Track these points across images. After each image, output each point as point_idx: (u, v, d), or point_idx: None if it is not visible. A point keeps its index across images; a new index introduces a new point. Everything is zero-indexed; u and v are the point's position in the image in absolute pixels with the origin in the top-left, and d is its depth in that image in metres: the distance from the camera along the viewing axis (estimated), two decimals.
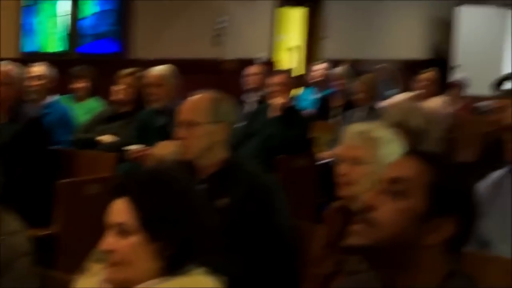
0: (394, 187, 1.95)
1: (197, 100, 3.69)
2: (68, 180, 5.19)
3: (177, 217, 2.30)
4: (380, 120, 3.82)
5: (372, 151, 3.19)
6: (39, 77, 6.71)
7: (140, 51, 10.59)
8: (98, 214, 4.83)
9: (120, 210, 2.31)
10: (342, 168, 3.22)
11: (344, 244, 2.00)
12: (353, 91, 8.08)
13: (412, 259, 1.94)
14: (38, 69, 6.82)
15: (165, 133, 5.10)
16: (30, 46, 9.72)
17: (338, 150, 3.44)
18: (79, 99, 7.63)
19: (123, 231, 2.29)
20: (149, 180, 2.37)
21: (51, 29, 10.02)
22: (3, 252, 2.90)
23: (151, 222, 2.28)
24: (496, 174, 3.79)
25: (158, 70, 6.13)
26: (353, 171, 3.18)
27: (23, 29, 9.45)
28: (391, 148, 3.20)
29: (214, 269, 2.42)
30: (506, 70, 15.27)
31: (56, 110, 6.62)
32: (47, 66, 6.90)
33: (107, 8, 10.65)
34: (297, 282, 3.46)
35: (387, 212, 1.93)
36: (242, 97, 8.14)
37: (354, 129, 3.27)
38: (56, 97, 6.83)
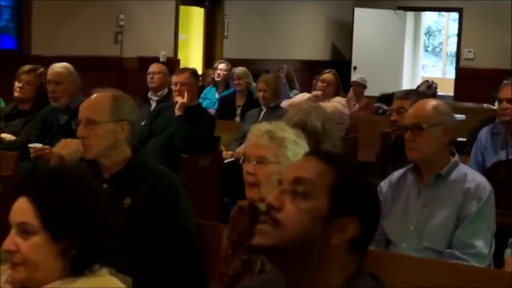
0: (297, 187, 1.97)
1: (97, 99, 3.64)
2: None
3: (79, 216, 2.28)
4: (281, 120, 3.84)
5: (278, 150, 3.21)
6: None
7: (38, 48, 10.41)
8: None
9: (21, 210, 2.28)
10: (248, 167, 3.23)
11: (249, 243, 2.01)
12: (253, 91, 8.14)
13: (316, 260, 1.95)
14: None
15: (68, 131, 5.03)
16: None
17: (244, 149, 3.45)
18: None
19: (25, 231, 2.26)
20: (50, 179, 2.34)
21: None
22: None
23: (53, 222, 2.25)
24: (397, 173, 3.88)
25: (57, 67, 6.04)
26: (259, 171, 3.20)
27: None
28: (295, 148, 3.24)
29: (118, 269, 2.42)
30: (405, 70, 15.80)
31: None
32: None
33: (3, 4, 10.43)
34: (203, 281, 3.46)
35: (291, 212, 1.94)
36: (144, 95, 8.10)
37: (260, 129, 3.29)
38: None
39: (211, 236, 3.62)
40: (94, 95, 3.67)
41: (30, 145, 5.40)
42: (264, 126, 3.31)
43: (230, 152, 7.07)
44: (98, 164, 3.56)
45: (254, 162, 3.21)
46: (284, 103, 8.05)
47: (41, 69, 6.36)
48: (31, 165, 5.42)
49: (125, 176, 3.52)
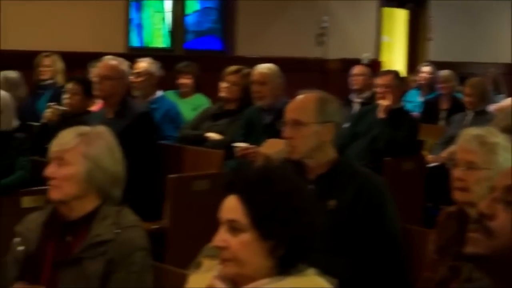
0: (510, 196, 1.92)
1: (304, 100, 3.67)
2: (177, 175, 5.29)
3: (287, 216, 2.30)
4: (489, 125, 3.74)
5: (489, 156, 3.13)
6: (141, 73, 6.80)
7: (242, 49, 10.67)
8: (205, 209, 4.95)
9: (231, 207, 2.33)
10: (458, 173, 3.17)
11: (459, 250, 1.97)
12: (459, 94, 7.97)
13: None
14: (140, 65, 6.91)
15: (271, 131, 5.12)
16: (136, 41, 9.93)
17: (451, 153, 3.39)
18: (184, 95, 7.74)
19: (234, 228, 2.31)
20: (259, 178, 2.38)
21: (157, 25, 10.20)
22: (120, 246, 2.98)
23: (262, 220, 2.29)
24: None
25: (262, 68, 6.16)
26: (469, 176, 3.13)
27: (130, 24, 9.66)
28: (506, 155, 3.14)
29: (323, 270, 2.43)
30: None
31: (162, 105, 6.72)
32: (149, 62, 6.99)
33: (209, 6, 10.77)
34: (408, 286, 3.43)
35: (504, 221, 1.89)
36: (346, 97, 8.12)
37: (470, 133, 3.21)
38: (161, 93, 6.93)
39: (416, 241, 3.57)
40: (300, 97, 3.70)
41: (235, 144, 5.55)
42: (475, 131, 3.23)
43: (433, 156, 6.95)
44: (303, 165, 3.60)
45: (464, 168, 3.15)
46: (491, 108, 7.83)
47: (247, 70, 6.51)
48: (236, 163, 5.58)
49: (330, 177, 3.53)
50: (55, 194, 3.04)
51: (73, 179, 3.02)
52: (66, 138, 3.07)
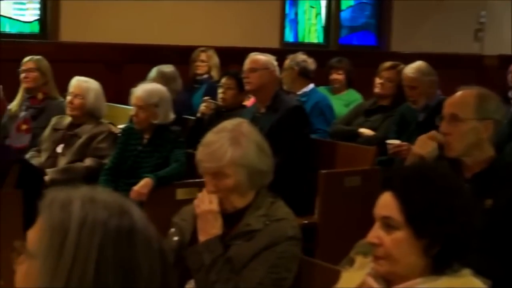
0: None
1: (464, 95, 3.59)
2: (329, 170, 5.30)
3: (443, 214, 2.26)
4: None
5: None
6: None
7: (397, 44, 10.57)
8: (357, 206, 4.93)
9: (386, 204, 2.31)
10: None
11: None
12: None
13: None
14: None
15: (425, 129, 5.03)
16: (290, 36, 9.99)
17: None
18: (336, 90, 7.72)
19: (389, 225, 2.29)
20: (415, 175, 2.35)
21: (312, 20, 10.23)
22: (269, 235, 2.99)
23: (417, 218, 2.26)
24: None
25: (410, 71, 6.01)
26: None
27: (285, 19, 9.73)
28: None
29: (477, 271, 2.37)
30: None
31: (312, 99, 6.72)
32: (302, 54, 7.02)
33: (364, 1, 10.71)
34: None
35: None
36: (505, 95, 7.87)
37: None
38: (312, 87, 6.93)
39: None
40: (460, 92, 3.63)
41: (388, 141, 5.48)
42: None
43: None
44: (459, 163, 3.51)
45: None
46: None
47: (401, 66, 6.42)
48: (388, 160, 5.53)
49: (487, 176, 3.44)
50: (226, 206, 3.10)
51: (236, 189, 3.07)
52: (218, 152, 3.06)
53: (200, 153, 3.10)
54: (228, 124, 3.18)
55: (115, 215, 1.59)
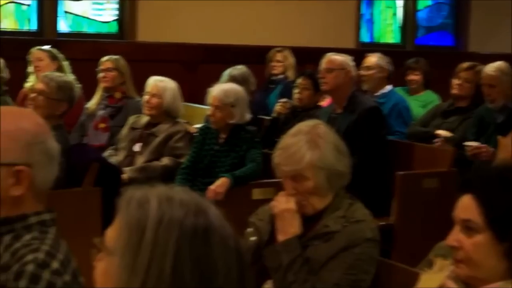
0: None
1: None
2: (407, 172, 5.27)
3: None
4: None
5: None
6: (370, 67, 6.80)
7: (475, 44, 10.43)
8: (434, 208, 4.88)
9: (466, 207, 2.27)
10: None
11: None
12: None
13: None
14: (370, 59, 6.91)
15: (504, 131, 4.97)
16: (366, 37, 9.96)
17: None
18: (413, 91, 7.65)
19: (468, 228, 2.25)
20: (496, 177, 2.31)
21: (388, 20, 10.18)
22: (347, 237, 2.99)
23: (498, 221, 2.21)
24: None
25: (490, 70, 5.94)
26: None
27: (360, 20, 9.70)
28: None
29: None
30: None
31: (391, 100, 6.67)
32: (379, 56, 6.97)
33: (441, 1, 10.61)
34: None
35: None
36: None
37: None
38: (390, 88, 6.88)
39: None
40: None
41: (466, 143, 5.42)
42: None
43: None
44: None
45: None
46: None
47: (480, 67, 6.34)
48: (466, 162, 5.46)
49: None
50: (306, 210, 3.11)
51: (316, 191, 3.07)
52: (296, 156, 3.06)
53: (278, 156, 3.10)
54: (304, 126, 3.18)
55: (192, 214, 1.60)
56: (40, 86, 4.93)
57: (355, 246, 2.98)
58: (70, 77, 6.36)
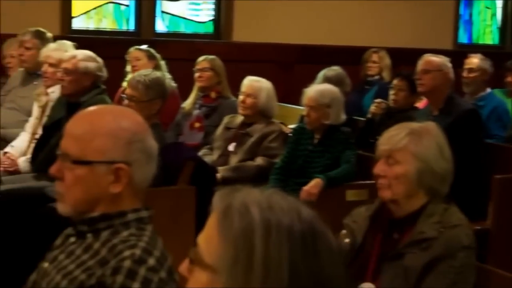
0: None
1: None
2: (504, 176, 5.15)
3: None
4: None
5: None
6: (473, 69, 6.70)
7: None
8: None
9: None
10: None
11: None
12: None
13: None
14: (473, 61, 6.81)
15: None
16: (464, 38, 9.83)
17: None
18: None
19: None
20: None
21: (487, 21, 10.01)
22: (444, 244, 2.95)
23: None
24: None
25: None
26: None
27: (459, 20, 9.58)
28: None
29: None
30: None
31: (490, 103, 6.57)
32: (482, 58, 6.86)
33: None
34: None
35: None
36: None
37: None
38: (489, 91, 6.77)
39: None
40: None
41: None
42: None
43: None
44: None
45: None
46: None
47: None
48: None
49: None
50: (385, 193, 3.08)
51: (403, 179, 3.04)
52: (396, 137, 3.08)
53: (381, 138, 3.13)
54: (416, 123, 3.19)
55: (296, 219, 1.51)
56: (129, 91, 4.98)
57: (453, 256, 2.92)
58: (166, 75, 6.47)
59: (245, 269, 1.45)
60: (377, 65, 7.76)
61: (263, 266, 1.44)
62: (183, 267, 1.59)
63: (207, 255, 1.52)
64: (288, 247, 1.47)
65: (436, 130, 3.12)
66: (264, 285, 1.44)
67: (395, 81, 6.35)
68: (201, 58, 6.64)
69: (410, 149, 3.01)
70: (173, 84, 6.79)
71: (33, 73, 6.24)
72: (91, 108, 2.43)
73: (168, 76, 6.70)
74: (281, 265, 1.45)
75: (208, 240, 1.53)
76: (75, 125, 2.34)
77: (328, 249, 1.53)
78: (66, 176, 2.31)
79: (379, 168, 3.06)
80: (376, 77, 7.71)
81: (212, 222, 1.53)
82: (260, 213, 1.49)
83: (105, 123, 2.33)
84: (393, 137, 3.06)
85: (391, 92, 6.31)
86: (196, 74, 6.58)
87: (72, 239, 2.36)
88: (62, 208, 2.33)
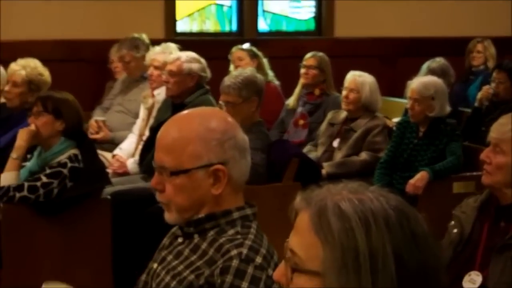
0: None
1: None
2: None
3: None
4: None
5: None
6: None
7: None
8: None
9: None
10: None
11: None
12: None
13: None
14: None
15: None
16: None
17: None
18: None
19: None
20: None
21: None
22: None
23: None
24: None
25: None
26: None
27: None
28: None
29: None
30: None
31: None
32: None
33: None
34: None
35: None
36: None
37: None
38: None
39: None
40: None
41: None
42: None
43: None
44: None
45: None
46: None
47: None
48: None
49: None
50: (486, 179, 3.07)
51: (504, 169, 3.01)
52: (505, 127, 3.05)
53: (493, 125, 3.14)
54: None
55: (387, 207, 1.51)
56: (223, 97, 4.98)
57: None
58: (269, 73, 6.50)
59: (354, 268, 1.46)
60: (482, 55, 7.62)
61: (370, 261, 1.44)
62: (279, 274, 1.58)
63: (310, 262, 1.52)
64: (389, 235, 1.47)
65: None
66: (374, 280, 1.44)
67: (494, 74, 6.22)
68: (308, 55, 6.59)
69: None
70: (276, 82, 6.81)
71: (138, 77, 6.39)
72: (176, 115, 2.43)
73: (271, 74, 6.73)
74: (386, 255, 1.45)
75: (307, 246, 1.52)
76: (164, 136, 2.35)
77: (422, 231, 1.52)
78: (167, 187, 2.33)
79: (485, 154, 3.07)
80: (481, 67, 7.57)
81: (305, 227, 1.52)
82: (354, 208, 1.49)
83: (193, 128, 2.33)
84: (502, 126, 3.05)
85: (492, 85, 6.18)
86: (302, 70, 6.54)
87: (180, 240, 2.39)
88: (169, 217, 2.35)
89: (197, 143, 2.30)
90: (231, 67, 6.70)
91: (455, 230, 3.12)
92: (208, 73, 5.46)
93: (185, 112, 2.47)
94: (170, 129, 2.36)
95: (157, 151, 2.35)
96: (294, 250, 1.53)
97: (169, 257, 2.38)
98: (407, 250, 1.48)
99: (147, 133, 5.63)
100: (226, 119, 2.38)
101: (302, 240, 1.53)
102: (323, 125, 5.93)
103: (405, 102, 5.48)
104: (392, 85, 7.19)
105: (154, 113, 5.76)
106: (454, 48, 7.84)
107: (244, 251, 2.21)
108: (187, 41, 6.96)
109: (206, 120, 2.36)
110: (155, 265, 2.42)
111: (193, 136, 2.31)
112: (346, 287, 1.45)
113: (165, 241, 2.49)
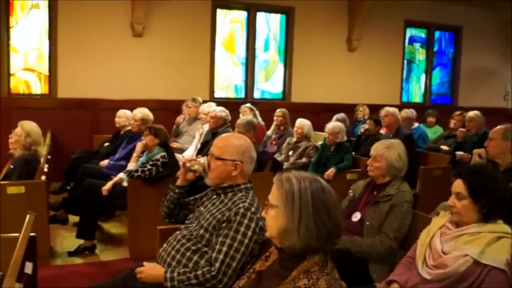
0: None
1: (497, 129, 3.18)
2: (425, 167, 4.89)
3: (489, 191, 2.10)
4: None
5: None
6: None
7: None
8: None
9: (459, 186, 2.17)
10: None
11: None
12: None
13: None
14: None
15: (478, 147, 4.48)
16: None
17: None
18: None
19: (459, 196, 2.15)
20: (475, 170, 2.17)
21: None
22: (397, 198, 2.82)
23: (475, 193, 2.13)
24: None
25: None
26: None
27: None
28: None
29: (505, 221, 2.17)
30: None
31: (417, 131, 6.13)
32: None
33: None
34: None
35: None
36: None
37: None
38: (417, 124, 6.35)
39: None
40: (498, 127, 3.21)
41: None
42: None
43: None
44: (496, 163, 3.15)
45: None
46: None
47: None
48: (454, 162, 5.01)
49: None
50: (371, 173, 2.93)
51: (380, 167, 2.90)
52: (378, 148, 2.92)
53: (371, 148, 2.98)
54: (386, 140, 3.04)
55: (313, 182, 1.60)
56: (237, 129, 4.80)
57: (401, 206, 2.79)
58: (259, 119, 6.32)
59: (291, 203, 1.57)
60: (362, 112, 7.37)
61: (299, 201, 1.56)
62: (263, 213, 1.69)
63: (274, 201, 1.63)
64: (311, 192, 1.58)
65: (398, 144, 2.99)
66: (301, 210, 1.55)
67: (368, 121, 5.93)
68: (278, 110, 6.41)
69: (384, 154, 2.91)
70: (262, 122, 6.74)
71: (195, 117, 6.29)
72: (224, 134, 2.39)
73: (260, 119, 6.67)
74: (307, 200, 1.57)
75: (274, 195, 1.64)
76: (217, 142, 2.31)
77: (330, 196, 1.62)
78: (212, 165, 2.29)
79: (369, 162, 2.96)
80: (361, 118, 7.25)
81: (274, 188, 1.65)
82: (296, 179, 1.62)
83: (232, 141, 2.29)
84: (377, 147, 2.93)
85: (366, 126, 5.91)
86: (275, 118, 6.40)
87: (214, 196, 2.34)
88: (208, 181, 2.31)
89: (232, 148, 2.26)
90: (240, 115, 6.61)
91: (350, 194, 3.06)
92: (229, 117, 5.41)
93: (228, 134, 2.42)
94: (220, 140, 2.31)
95: (212, 147, 2.29)
96: (269, 199, 1.66)
97: (208, 205, 2.31)
98: (319, 200, 1.58)
99: (199, 146, 5.56)
100: (247, 140, 2.33)
101: (272, 193, 1.65)
102: (284, 145, 5.78)
103: (325, 135, 5.40)
104: (319, 127, 7.06)
105: (203, 136, 5.69)
106: (349, 108, 7.75)
107: (246, 204, 2.17)
108: (219, 101, 6.88)
109: (239, 139, 2.32)
110: (201, 209, 2.34)
111: (231, 144, 2.27)
112: (288, 213, 1.57)
113: (207, 195, 2.41)
